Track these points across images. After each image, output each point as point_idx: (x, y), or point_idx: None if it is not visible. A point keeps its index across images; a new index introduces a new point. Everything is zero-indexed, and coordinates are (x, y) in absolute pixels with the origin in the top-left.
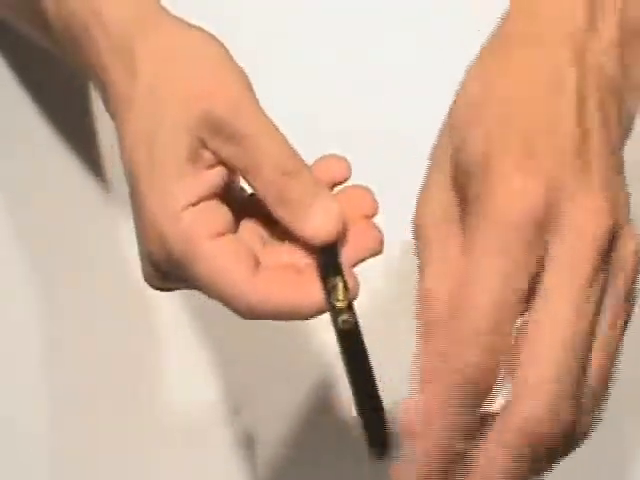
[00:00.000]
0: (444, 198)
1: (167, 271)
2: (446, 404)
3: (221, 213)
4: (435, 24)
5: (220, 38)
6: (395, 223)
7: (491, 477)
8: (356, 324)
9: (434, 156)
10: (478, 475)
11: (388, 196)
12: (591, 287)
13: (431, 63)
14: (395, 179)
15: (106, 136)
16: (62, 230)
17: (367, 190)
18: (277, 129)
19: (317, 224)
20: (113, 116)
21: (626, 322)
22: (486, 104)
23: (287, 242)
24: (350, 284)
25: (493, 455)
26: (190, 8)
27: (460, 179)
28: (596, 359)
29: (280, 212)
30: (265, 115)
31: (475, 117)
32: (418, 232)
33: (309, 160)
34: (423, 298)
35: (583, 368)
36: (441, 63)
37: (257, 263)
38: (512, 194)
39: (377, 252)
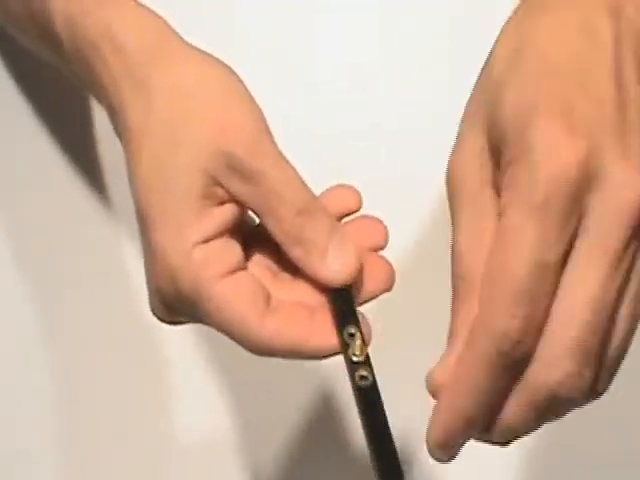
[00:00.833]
0: (477, 153)
1: (175, 306)
2: (476, 369)
3: (231, 250)
4: (435, 24)
5: (219, 38)
6: (395, 223)
7: (512, 429)
8: (374, 381)
9: (467, 112)
10: (499, 427)
11: (388, 196)
12: (624, 252)
13: (431, 63)
14: (395, 179)
15: (106, 142)
16: (62, 243)
17: (378, 221)
18: (293, 168)
19: (334, 267)
20: (121, 137)
21: None
22: (524, 60)
23: (297, 278)
24: (364, 330)
25: (515, 410)
26: (188, 11)
27: (495, 134)
28: (620, 322)
29: (295, 252)
30: (281, 154)
31: (513, 73)
32: (451, 189)
33: (309, 161)
34: (457, 257)
35: (609, 330)
36: (441, 63)
37: (267, 298)
38: (554, 149)
39: (389, 288)
